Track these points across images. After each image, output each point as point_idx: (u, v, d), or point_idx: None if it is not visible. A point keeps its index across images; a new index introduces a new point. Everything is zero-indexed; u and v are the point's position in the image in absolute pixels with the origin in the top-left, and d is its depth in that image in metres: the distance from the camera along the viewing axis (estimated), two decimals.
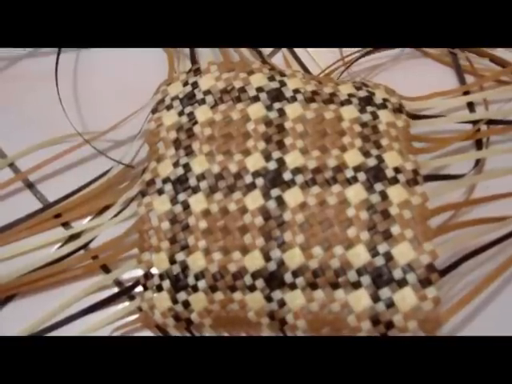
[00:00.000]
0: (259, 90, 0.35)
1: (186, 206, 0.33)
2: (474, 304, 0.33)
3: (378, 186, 0.32)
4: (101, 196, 0.36)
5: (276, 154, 0.33)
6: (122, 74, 0.41)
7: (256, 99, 0.35)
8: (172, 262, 0.33)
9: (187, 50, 0.39)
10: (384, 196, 0.32)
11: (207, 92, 0.36)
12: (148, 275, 0.33)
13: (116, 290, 0.35)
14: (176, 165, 0.34)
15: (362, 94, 0.36)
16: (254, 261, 0.32)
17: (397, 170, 0.33)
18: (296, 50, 0.41)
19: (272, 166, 0.33)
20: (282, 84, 0.36)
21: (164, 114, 0.36)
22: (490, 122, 0.37)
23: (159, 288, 0.33)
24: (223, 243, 0.32)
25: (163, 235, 0.33)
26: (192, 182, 0.34)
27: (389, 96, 0.36)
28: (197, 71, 0.37)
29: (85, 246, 0.35)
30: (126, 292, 0.34)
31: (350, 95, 0.36)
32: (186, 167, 0.34)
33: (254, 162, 0.33)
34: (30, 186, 0.38)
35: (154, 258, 0.33)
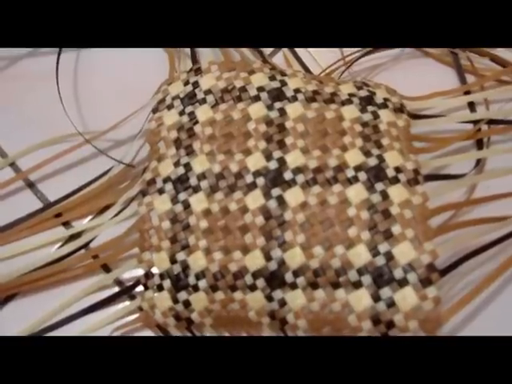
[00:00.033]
0: (260, 89, 0.35)
1: (187, 206, 0.33)
2: (475, 304, 0.33)
3: (379, 186, 0.32)
4: (101, 195, 0.36)
5: (277, 154, 0.33)
6: (123, 73, 0.41)
7: (257, 99, 0.35)
8: (173, 261, 0.33)
9: (188, 50, 0.39)
10: (385, 196, 0.32)
11: (208, 91, 0.36)
12: (148, 275, 0.33)
13: (116, 289, 0.35)
14: (177, 164, 0.34)
15: (363, 93, 0.36)
16: (255, 260, 0.32)
17: (397, 169, 0.33)
18: (297, 49, 0.41)
19: (273, 165, 0.33)
20: (283, 83, 0.36)
21: (165, 114, 0.36)
22: (490, 121, 0.37)
23: (160, 287, 0.33)
24: (224, 243, 0.32)
25: (164, 235, 0.33)
26: (193, 181, 0.34)
27: (389, 96, 0.36)
28: (197, 71, 0.37)
29: (85, 246, 0.35)
30: (126, 291, 0.34)
31: (351, 95, 0.36)
32: (187, 167, 0.34)
33: (255, 161, 0.33)
34: (31, 185, 0.38)
35: (155, 257, 0.33)
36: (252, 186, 0.33)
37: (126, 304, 0.34)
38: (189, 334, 0.33)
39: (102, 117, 0.38)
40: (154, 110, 0.37)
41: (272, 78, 0.36)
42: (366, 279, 0.31)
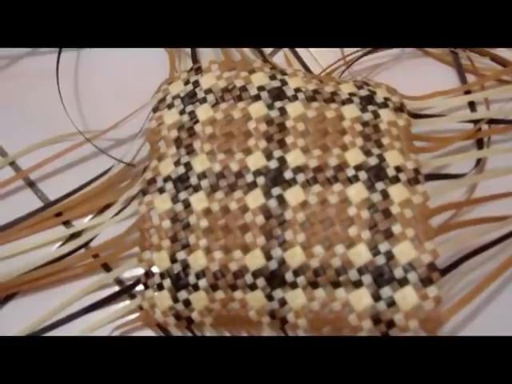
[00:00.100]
0: (260, 88, 0.35)
1: (187, 205, 0.33)
2: (475, 303, 0.33)
3: (379, 185, 0.32)
4: (102, 194, 0.36)
5: (277, 153, 0.33)
6: (123, 73, 0.41)
7: (257, 98, 0.35)
8: (173, 260, 0.33)
9: (188, 50, 0.39)
10: (385, 195, 0.32)
11: (208, 91, 0.36)
12: (149, 274, 0.33)
13: (117, 288, 0.35)
14: (177, 163, 0.34)
15: (363, 93, 0.36)
16: (255, 259, 0.32)
17: (398, 169, 0.33)
18: (297, 49, 0.41)
19: (273, 164, 0.33)
20: (284, 83, 0.36)
21: (165, 113, 0.36)
22: (491, 121, 0.37)
23: (160, 287, 0.33)
24: (224, 242, 0.32)
25: (164, 234, 0.33)
26: (193, 180, 0.34)
27: (390, 95, 0.36)
28: (198, 70, 0.37)
29: (86, 245, 0.35)
30: (126, 291, 0.34)
31: (351, 94, 0.36)
32: (187, 166, 0.34)
33: (255, 160, 0.33)
34: (31, 184, 0.38)
35: (155, 256, 0.33)
36: (252, 185, 0.33)
37: (126, 303, 0.34)
38: (189, 334, 0.33)
39: (102, 116, 0.38)
40: (155, 110, 0.37)
41: (272, 78, 0.36)
42: (367, 278, 0.31)
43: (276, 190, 0.33)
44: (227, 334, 0.33)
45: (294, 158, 0.33)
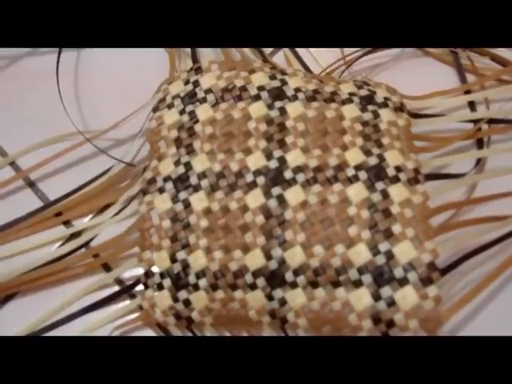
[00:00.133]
0: (260, 88, 0.35)
1: (187, 205, 0.33)
2: (475, 303, 0.33)
3: (379, 185, 0.32)
4: (102, 194, 0.36)
5: (277, 153, 0.33)
6: (123, 73, 0.41)
7: (257, 98, 0.35)
8: (173, 260, 0.33)
9: (188, 49, 0.39)
10: (385, 195, 0.32)
11: (208, 91, 0.36)
12: (149, 274, 0.33)
13: (117, 288, 0.35)
14: (177, 163, 0.34)
15: (363, 92, 0.36)
16: (255, 259, 0.32)
17: (398, 168, 0.33)
18: (297, 49, 0.41)
19: (273, 164, 0.33)
20: (284, 83, 0.36)
21: (165, 113, 0.36)
22: (491, 121, 0.37)
23: (160, 286, 0.33)
24: (224, 242, 0.32)
25: (164, 234, 0.33)
26: (193, 180, 0.34)
27: (390, 95, 0.36)
28: (198, 70, 0.37)
29: (86, 245, 0.35)
30: (126, 290, 0.34)
31: (351, 94, 0.36)
32: (187, 166, 0.34)
33: (255, 160, 0.33)
34: (31, 184, 0.38)
35: (155, 256, 0.33)
36: (252, 185, 0.33)
37: (126, 303, 0.34)
38: (189, 333, 0.33)
39: (102, 116, 0.38)
40: (155, 109, 0.37)
41: (272, 78, 0.36)
42: (367, 278, 0.31)
43: (276, 190, 0.33)
44: (227, 334, 0.33)
45: (294, 158, 0.33)
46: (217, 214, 0.33)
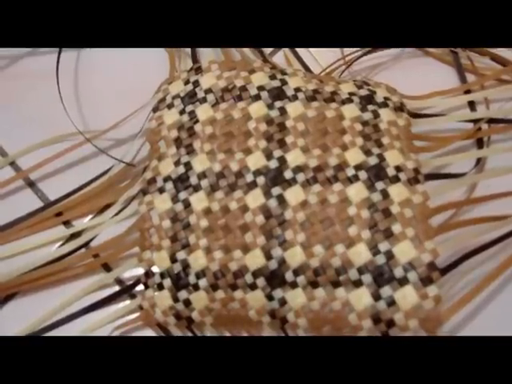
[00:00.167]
0: (260, 88, 0.35)
1: (187, 205, 0.33)
2: (475, 303, 0.33)
3: (379, 185, 0.32)
4: (102, 194, 0.36)
5: (277, 153, 0.34)
6: (123, 73, 0.41)
7: (257, 98, 0.35)
8: (173, 260, 0.33)
9: (188, 49, 0.39)
10: (385, 194, 0.32)
11: (208, 90, 0.36)
12: (149, 274, 0.33)
13: (117, 288, 0.35)
14: (177, 163, 0.34)
15: (363, 92, 0.36)
16: (255, 259, 0.32)
17: (398, 168, 0.33)
18: (297, 49, 0.41)
19: (273, 164, 0.33)
20: (283, 83, 0.36)
21: (165, 113, 0.36)
22: (490, 120, 0.37)
23: (160, 286, 0.33)
24: (224, 242, 0.32)
25: (164, 234, 0.33)
26: (193, 180, 0.34)
27: (390, 95, 0.36)
28: (198, 70, 0.37)
29: (86, 245, 0.35)
30: (126, 290, 0.34)
31: (351, 94, 0.36)
32: (187, 166, 0.34)
33: (255, 160, 0.33)
34: (31, 184, 0.38)
35: (155, 256, 0.33)
36: (252, 184, 0.33)
37: (126, 303, 0.34)
38: (189, 333, 0.33)
39: (102, 116, 0.38)
40: (155, 109, 0.37)
41: (272, 77, 0.36)
42: (367, 278, 0.31)
43: (276, 190, 0.33)
44: (227, 334, 0.33)
45: (294, 158, 0.33)
46: (217, 213, 0.33)
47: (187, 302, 0.32)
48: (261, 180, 0.33)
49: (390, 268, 0.31)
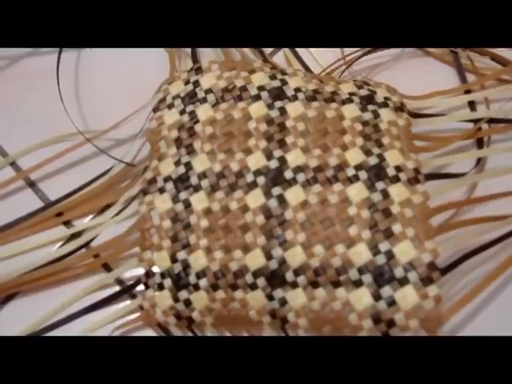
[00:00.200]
0: (260, 88, 0.35)
1: (188, 205, 0.33)
2: (475, 302, 0.33)
3: (380, 185, 0.32)
4: (102, 195, 0.36)
5: (277, 153, 0.34)
6: (123, 73, 0.41)
7: (257, 98, 0.35)
8: (173, 260, 0.33)
9: (189, 50, 0.39)
10: (385, 194, 0.32)
11: (209, 91, 0.36)
12: (149, 274, 0.33)
13: (117, 288, 0.35)
14: (177, 163, 0.34)
15: (363, 92, 0.36)
16: (256, 259, 0.32)
17: (398, 168, 0.33)
18: (297, 49, 0.41)
19: (273, 164, 0.33)
20: (284, 83, 0.36)
21: (165, 113, 0.36)
22: (491, 120, 0.37)
23: (160, 286, 0.33)
24: (224, 242, 0.32)
25: (164, 234, 0.33)
26: (193, 180, 0.34)
27: (390, 95, 0.36)
28: (198, 70, 0.37)
29: (86, 245, 0.35)
30: (127, 291, 0.34)
31: (351, 94, 0.36)
32: (188, 166, 0.34)
33: (256, 160, 0.33)
34: (32, 184, 0.38)
35: (156, 256, 0.33)
36: (252, 185, 0.33)
37: (126, 303, 0.34)
38: (189, 333, 0.33)
39: (102, 116, 0.38)
40: (155, 110, 0.37)
41: (272, 78, 0.36)
42: (367, 278, 0.31)
43: (276, 190, 0.33)
44: (228, 334, 0.33)
45: (294, 158, 0.33)
46: (217, 214, 0.33)
47: (188, 302, 0.32)
48: (261, 180, 0.33)
49: (391, 268, 0.31)
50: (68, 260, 0.35)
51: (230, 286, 0.32)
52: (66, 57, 0.40)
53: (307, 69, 0.40)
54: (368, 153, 0.33)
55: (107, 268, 0.35)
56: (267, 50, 0.41)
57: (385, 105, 0.35)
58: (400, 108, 0.36)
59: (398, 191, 0.32)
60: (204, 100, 0.36)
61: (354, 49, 0.40)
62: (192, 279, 0.32)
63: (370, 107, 0.35)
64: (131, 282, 0.34)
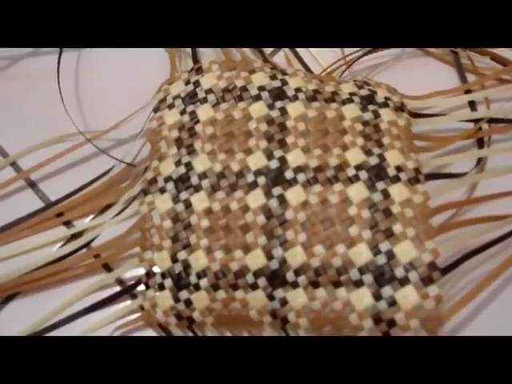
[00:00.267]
0: (261, 88, 0.35)
1: (188, 205, 0.33)
2: (476, 302, 0.33)
3: (380, 185, 0.33)
4: (103, 195, 0.36)
5: (278, 153, 0.34)
6: (124, 73, 0.41)
7: (258, 98, 0.35)
8: (174, 260, 0.33)
9: (189, 50, 0.39)
10: (386, 194, 0.32)
11: (209, 91, 0.36)
12: (150, 274, 0.33)
13: (118, 288, 0.35)
14: (178, 163, 0.34)
15: (364, 92, 0.36)
16: (256, 259, 0.32)
17: (398, 168, 0.33)
18: (298, 49, 0.41)
19: (274, 164, 0.33)
20: (284, 83, 0.36)
21: (166, 113, 0.36)
22: (491, 120, 0.37)
23: (161, 287, 0.33)
24: (225, 242, 0.32)
25: (165, 234, 0.33)
26: (194, 180, 0.34)
27: (390, 95, 0.36)
28: (199, 70, 0.37)
29: (87, 245, 0.35)
30: (127, 291, 0.34)
31: (352, 94, 0.36)
32: (188, 166, 0.34)
33: (256, 160, 0.33)
34: (32, 184, 0.38)
35: (156, 256, 0.33)
36: (253, 185, 0.33)
37: (127, 303, 0.34)
38: (190, 333, 0.33)
39: (103, 116, 0.38)
40: (155, 110, 0.37)
41: (273, 78, 0.36)
42: (367, 278, 0.31)
43: (277, 190, 0.33)
44: (228, 334, 0.33)
45: (295, 158, 0.33)
46: (218, 214, 0.33)
47: (188, 302, 0.32)
48: (261, 180, 0.33)
49: (391, 268, 0.31)
50: (68, 260, 0.35)
51: (230, 286, 0.32)
52: (66, 57, 0.40)
53: (307, 69, 0.40)
54: (368, 153, 0.33)
55: (108, 268, 0.35)
56: (267, 50, 0.41)
57: (385, 105, 0.35)
58: (400, 108, 0.36)
59: (398, 191, 0.32)
60: (204, 100, 0.36)
61: (355, 49, 0.40)
62: (193, 279, 0.32)
63: (371, 107, 0.35)
64: (132, 282, 0.34)
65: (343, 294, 0.31)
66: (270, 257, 0.32)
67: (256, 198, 0.33)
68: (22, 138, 0.38)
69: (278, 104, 0.35)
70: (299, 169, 0.33)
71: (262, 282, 0.32)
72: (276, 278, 0.32)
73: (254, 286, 0.32)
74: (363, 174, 0.33)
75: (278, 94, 0.35)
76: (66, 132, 0.38)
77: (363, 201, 0.32)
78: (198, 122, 0.35)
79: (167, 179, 0.34)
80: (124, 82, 0.40)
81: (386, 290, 0.31)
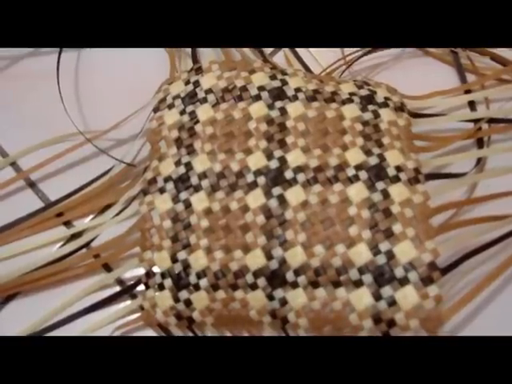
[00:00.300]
0: (261, 88, 0.35)
1: (188, 205, 0.33)
2: (476, 302, 0.33)
3: (380, 185, 0.33)
4: (102, 195, 0.36)
5: (277, 153, 0.34)
6: (124, 73, 0.41)
7: (258, 98, 0.35)
8: (174, 260, 0.33)
9: (189, 50, 0.39)
10: (386, 194, 0.32)
11: (209, 91, 0.36)
12: (150, 274, 0.33)
13: (118, 288, 0.35)
14: (178, 163, 0.34)
15: (364, 92, 0.36)
16: (256, 259, 0.32)
17: (398, 168, 0.33)
18: (297, 49, 0.41)
19: (273, 164, 0.33)
20: (284, 83, 0.36)
21: (166, 113, 0.36)
22: (491, 120, 0.37)
23: (161, 287, 0.33)
24: (225, 242, 0.32)
25: (165, 234, 0.33)
26: (194, 180, 0.34)
27: (390, 95, 0.36)
28: (198, 70, 0.37)
29: (86, 245, 0.35)
30: (127, 291, 0.34)
31: (352, 94, 0.36)
32: (188, 166, 0.34)
33: (256, 160, 0.33)
34: (32, 184, 0.38)
35: (156, 256, 0.33)
36: (253, 185, 0.33)
37: (127, 303, 0.34)
38: (190, 333, 0.33)
39: (102, 116, 0.38)
40: (155, 110, 0.37)
41: (273, 78, 0.36)
42: (367, 278, 0.31)
43: (276, 190, 0.33)
44: (228, 334, 0.33)
45: (295, 158, 0.33)
46: (217, 214, 0.33)
47: (188, 302, 0.32)
48: (261, 180, 0.33)
49: (391, 268, 0.31)
50: (68, 260, 0.35)
51: (230, 286, 0.32)
52: (66, 57, 0.40)
53: (307, 69, 0.40)
54: (368, 153, 0.33)
55: (107, 268, 0.35)
56: (267, 50, 0.41)
57: (385, 105, 0.35)
58: (400, 108, 0.36)
59: (398, 191, 0.32)
60: (204, 100, 0.36)
61: (354, 49, 0.40)
62: (192, 279, 0.32)
63: (370, 107, 0.35)
64: (131, 282, 0.34)
65: (343, 294, 0.31)
66: (269, 257, 0.32)
67: (256, 198, 0.33)
68: (22, 138, 0.38)
69: (278, 104, 0.35)
70: (299, 169, 0.33)
71: (261, 282, 0.32)
72: (276, 278, 0.32)
73: (254, 286, 0.32)
74: (363, 174, 0.33)
75: (278, 94, 0.35)
76: (66, 132, 0.38)
77: (363, 201, 0.32)
78: (197, 122, 0.35)
79: (167, 179, 0.34)
80: (124, 82, 0.40)
81: (386, 290, 0.31)
